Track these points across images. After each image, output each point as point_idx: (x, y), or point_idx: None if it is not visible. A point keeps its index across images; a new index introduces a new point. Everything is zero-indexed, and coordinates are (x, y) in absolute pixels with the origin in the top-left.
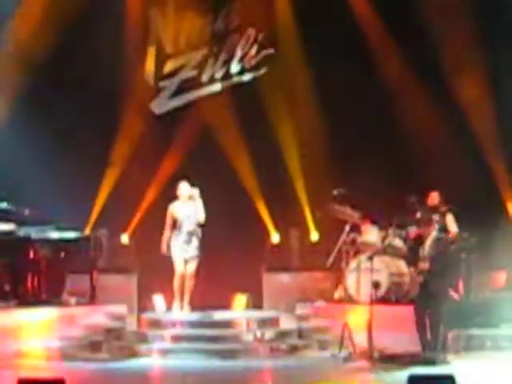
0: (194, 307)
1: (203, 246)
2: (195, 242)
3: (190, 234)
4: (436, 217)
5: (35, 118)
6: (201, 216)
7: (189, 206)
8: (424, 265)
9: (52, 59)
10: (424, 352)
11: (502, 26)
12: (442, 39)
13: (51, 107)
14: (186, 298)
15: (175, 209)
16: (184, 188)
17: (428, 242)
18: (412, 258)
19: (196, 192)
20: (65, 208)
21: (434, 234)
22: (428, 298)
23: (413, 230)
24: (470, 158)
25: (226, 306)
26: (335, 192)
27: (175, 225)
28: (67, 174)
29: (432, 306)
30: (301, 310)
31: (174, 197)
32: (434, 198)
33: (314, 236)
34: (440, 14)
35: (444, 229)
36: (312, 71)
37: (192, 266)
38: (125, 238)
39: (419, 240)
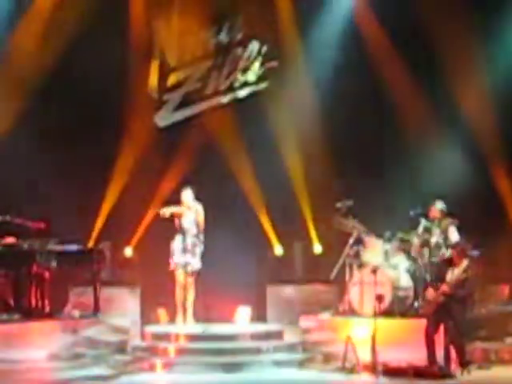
0: (197, 320)
1: (206, 259)
2: (197, 247)
3: (193, 238)
4: (439, 229)
5: (38, 130)
6: (200, 225)
7: (191, 212)
8: (446, 289)
9: (55, 72)
10: (429, 365)
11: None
12: (442, 40)
13: (54, 120)
14: (190, 310)
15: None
16: (186, 195)
17: (457, 271)
18: (436, 279)
19: (199, 207)
20: (68, 221)
21: (465, 263)
22: (445, 315)
23: (417, 244)
24: (474, 170)
25: (229, 318)
26: (339, 204)
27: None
28: (71, 186)
29: (450, 329)
30: (304, 322)
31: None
32: (437, 210)
33: (318, 249)
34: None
35: (446, 241)
36: (315, 83)
37: (192, 279)
38: (128, 251)
39: (448, 264)
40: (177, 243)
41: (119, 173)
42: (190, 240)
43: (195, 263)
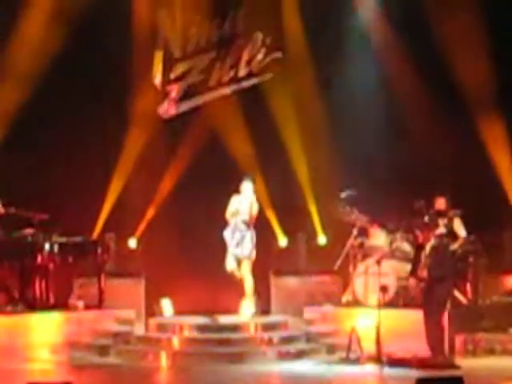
0: (202, 311)
1: (211, 251)
2: (238, 238)
3: (234, 229)
4: (443, 221)
5: (43, 121)
6: (252, 217)
7: (243, 202)
8: (422, 273)
9: (58, 62)
10: (432, 356)
11: None
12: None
13: (57, 110)
14: (250, 298)
15: (233, 202)
16: (245, 185)
17: (426, 250)
18: (413, 265)
19: (254, 200)
20: (72, 212)
21: (431, 242)
22: (431, 304)
23: (420, 234)
24: (478, 161)
25: (234, 309)
26: (343, 195)
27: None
28: (75, 178)
29: (435, 312)
30: (309, 313)
31: (182, 199)
32: (441, 202)
33: (322, 239)
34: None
35: (451, 233)
36: (319, 74)
37: (244, 266)
38: (132, 243)
39: (420, 248)
40: (228, 234)
41: (123, 164)
42: (239, 231)
43: (237, 252)
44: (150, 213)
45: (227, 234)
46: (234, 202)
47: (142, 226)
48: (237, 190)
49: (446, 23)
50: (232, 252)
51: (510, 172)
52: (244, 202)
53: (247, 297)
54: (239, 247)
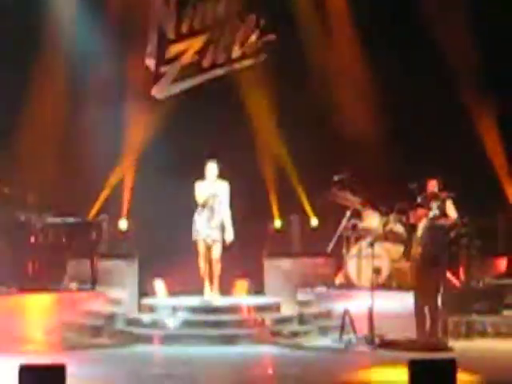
0: (194, 293)
1: None
2: (217, 221)
3: (213, 211)
4: (436, 203)
5: (39, 103)
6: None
7: (215, 186)
8: (416, 251)
9: (52, 45)
10: (425, 338)
11: None
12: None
13: (52, 97)
14: (215, 283)
15: (200, 187)
16: (211, 168)
17: (419, 232)
18: (406, 247)
19: (220, 182)
20: (66, 193)
21: (424, 221)
22: (424, 286)
23: (413, 216)
24: (470, 144)
25: (227, 291)
26: (336, 177)
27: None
28: (69, 158)
29: (429, 295)
30: (302, 295)
31: (176, 179)
32: (434, 184)
33: (315, 222)
34: None
35: (443, 215)
36: (313, 56)
37: (216, 251)
38: (123, 224)
39: (413, 229)
40: (198, 215)
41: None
42: (209, 213)
43: (214, 235)
44: (142, 194)
45: (200, 219)
46: (200, 187)
47: (134, 207)
48: (201, 176)
49: None
50: (211, 239)
51: (502, 155)
52: (214, 186)
53: (215, 280)
54: (217, 232)
